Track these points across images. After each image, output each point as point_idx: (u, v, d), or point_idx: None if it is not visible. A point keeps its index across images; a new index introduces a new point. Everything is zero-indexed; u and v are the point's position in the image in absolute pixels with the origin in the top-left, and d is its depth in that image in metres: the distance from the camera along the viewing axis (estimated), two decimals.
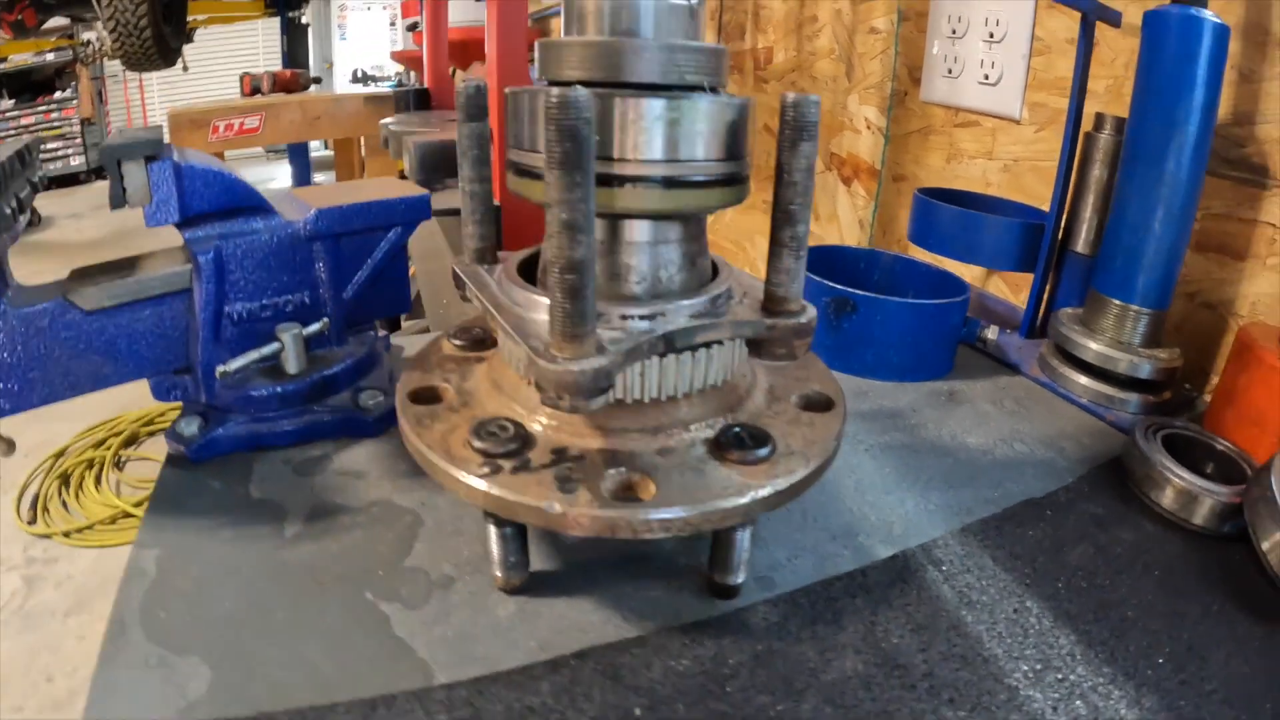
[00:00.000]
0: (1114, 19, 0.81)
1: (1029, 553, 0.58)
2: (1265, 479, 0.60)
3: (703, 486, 0.44)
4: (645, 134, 0.44)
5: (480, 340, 0.57)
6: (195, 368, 0.63)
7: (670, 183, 0.45)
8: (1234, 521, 0.62)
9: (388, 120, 1.52)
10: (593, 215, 0.38)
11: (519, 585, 0.50)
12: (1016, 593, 0.54)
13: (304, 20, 5.96)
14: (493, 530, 0.47)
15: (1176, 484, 0.64)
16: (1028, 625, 0.51)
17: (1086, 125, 0.86)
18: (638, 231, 0.49)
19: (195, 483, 0.59)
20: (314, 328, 0.66)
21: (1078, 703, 0.45)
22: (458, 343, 0.57)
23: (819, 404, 0.54)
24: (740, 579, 0.51)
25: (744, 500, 0.44)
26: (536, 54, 0.49)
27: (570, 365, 0.40)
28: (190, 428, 0.61)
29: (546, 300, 0.43)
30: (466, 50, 1.98)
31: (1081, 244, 0.88)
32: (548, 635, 0.47)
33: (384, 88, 5.33)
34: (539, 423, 0.48)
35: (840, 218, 1.45)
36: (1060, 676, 0.47)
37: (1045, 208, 0.90)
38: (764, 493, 0.45)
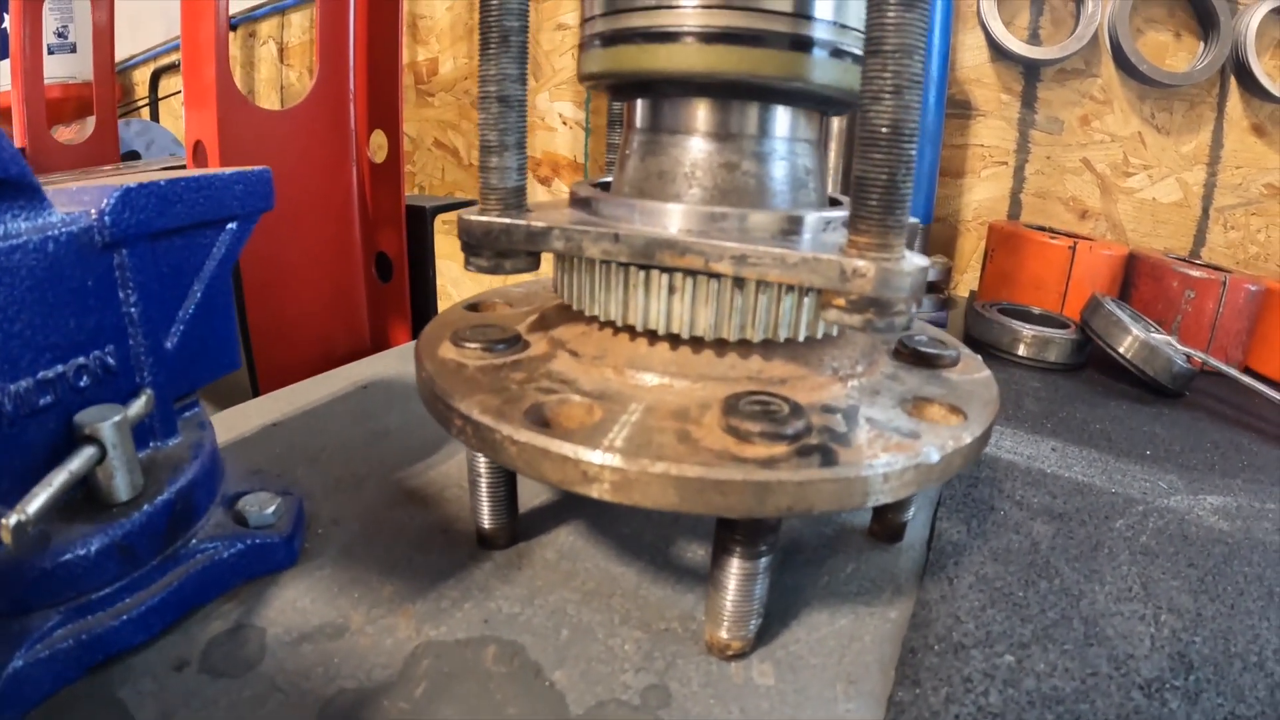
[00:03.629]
0: None
1: (1005, 413, 0.66)
2: (1102, 308, 0.74)
3: (966, 392, 0.36)
4: None
5: (511, 339, 0.37)
6: None
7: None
8: (1075, 356, 0.76)
9: None
10: None
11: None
12: (1030, 435, 0.62)
13: None
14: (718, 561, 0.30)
15: (1029, 336, 0.76)
16: (1054, 445, 0.60)
17: None
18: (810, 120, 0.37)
19: None
20: (137, 407, 0.36)
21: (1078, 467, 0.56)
22: (477, 346, 0.36)
23: None
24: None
25: (995, 390, 0.37)
26: None
27: (916, 260, 0.28)
28: None
29: (762, 214, 0.31)
30: (63, 106, 1.41)
31: (831, 186, 0.99)
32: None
33: None
34: (681, 381, 0.33)
35: None
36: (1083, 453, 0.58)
37: None
38: (985, 373, 0.39)
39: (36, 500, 0.29)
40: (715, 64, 0.30)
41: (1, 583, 0.30)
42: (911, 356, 0.38)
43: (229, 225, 0.42)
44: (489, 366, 0.34)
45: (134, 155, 1.43)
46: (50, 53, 1.55)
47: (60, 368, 0.34)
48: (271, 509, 0.39)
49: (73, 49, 1.55)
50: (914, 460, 0.28)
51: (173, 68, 1.74)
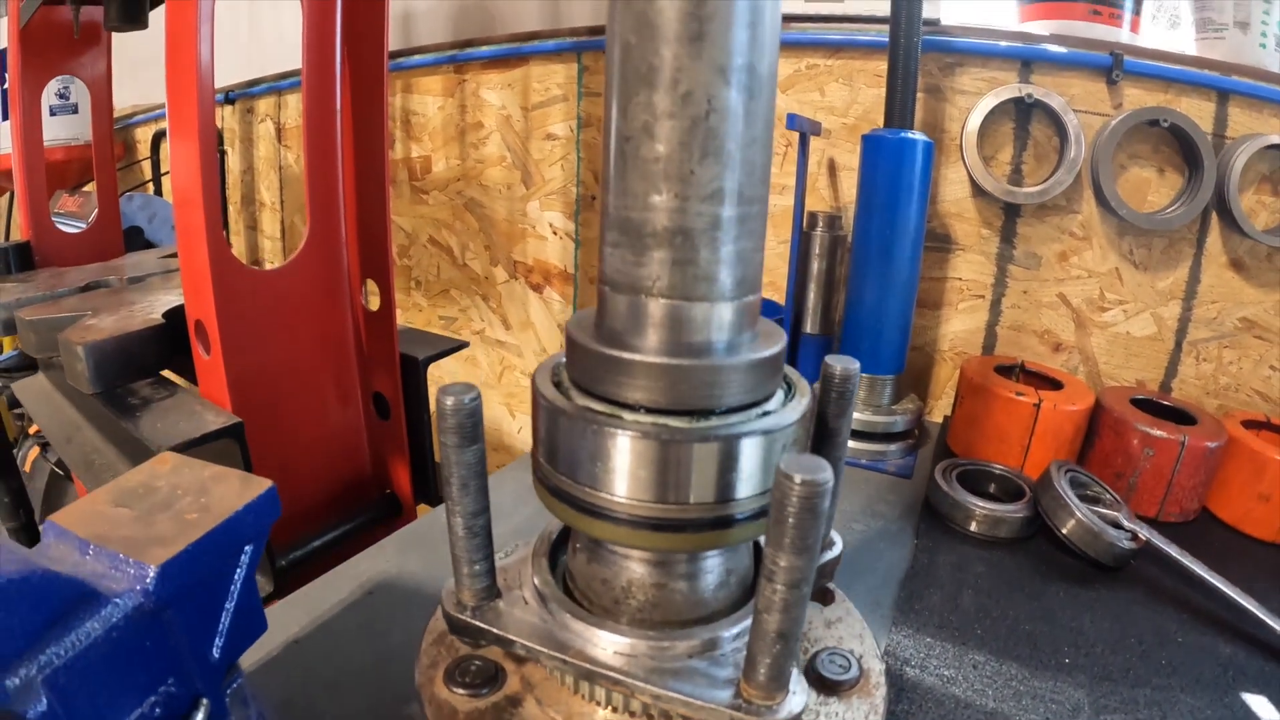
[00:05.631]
0: (818, 129, 1.01)
1: (941, 617, 0.75)
2: (1052, 485, 0.85)
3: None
4: (758, 468, 0.41)
5: (491, 676, 0.48)
6: None
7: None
8: (1026, 529, 0.86)
9: (4, 301, 1.09)
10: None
11: None
12: (956, 648, 0.71)
13: None
14: None
15: (983, 514, 0.86)
16: (976, 660, 0.70)
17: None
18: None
19: None
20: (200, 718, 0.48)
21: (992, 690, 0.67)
22: (464, 693, 0.48)
23: None
24: None
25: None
26: (575, 359, 0.43)
27: (791, 707, 0.39)
28: None
29: (677, 643, 0.42)
30: (66, 169, 1.51)
31: (810, 326, 1.08)
32: None
33: None
34: None
35: (536, 324, 1.49)
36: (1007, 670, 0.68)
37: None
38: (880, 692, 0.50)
39: None
40: (643, 542, 0.41)
41: None
42: (816, 680, 0.49)
43: (247, 548, 0.53)
44: (474, 712, 0.46)
45: (137, 230, 1.54)
46: (52, 114, 1.65)
47: (138, 710, 0.46)
48: None
49: (74, 110, 1.65)
50: None
51: None
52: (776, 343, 0.42)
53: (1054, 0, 1.09)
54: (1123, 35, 1.09)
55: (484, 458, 0.43)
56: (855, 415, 0.97)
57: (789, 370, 0.47)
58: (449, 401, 0.40)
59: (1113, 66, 1.03)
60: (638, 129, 0.37)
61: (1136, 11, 1.10)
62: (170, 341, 0.97)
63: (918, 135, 0.94)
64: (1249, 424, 1.02)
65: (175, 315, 0.99)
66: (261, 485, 0.55)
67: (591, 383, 0.41)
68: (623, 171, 0.38)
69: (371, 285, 0.99)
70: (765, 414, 0.41)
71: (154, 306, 1.03)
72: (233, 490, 0.54)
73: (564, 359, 0.45)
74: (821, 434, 0.49)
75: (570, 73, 1.27)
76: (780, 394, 0.44)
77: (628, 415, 0.39)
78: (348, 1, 0.92)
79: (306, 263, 0.95)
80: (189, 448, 0.80)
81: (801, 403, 0.43)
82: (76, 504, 0.54)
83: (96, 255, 1.36)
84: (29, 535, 1.49)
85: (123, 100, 1.67)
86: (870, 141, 0.95)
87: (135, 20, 1.15)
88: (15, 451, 1.55)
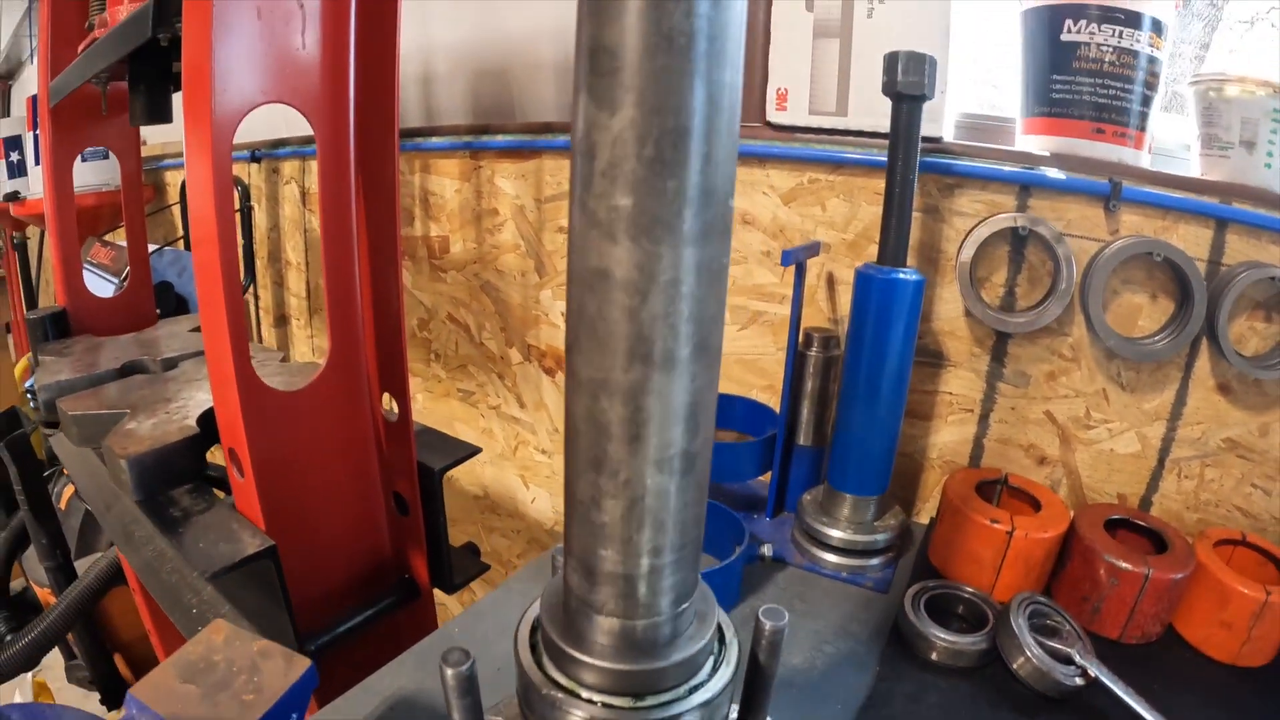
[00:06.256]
0: (815, 251, 1.11)
1: None
2: (1008, 621, 0.95)
3: None
4: None
5: None
6: None
7: None
8: (984, 659, 0.97)
9: (46, 382, 1.24)
10: None
11: None
12: None
13: None
14: None
15: (943, 645, 0.97)
16: None
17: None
18: None
19: None
20: None
21: None
22: None
23: None
24: None
25: None
26: (545, 638, 0.55)
27: None
28: None
29: None
30: (99, 214, 1.66)
31: (803, 438, 1.19)
32: None
33: None
34: None
35: (548, 405, 1.62)
36: None
37: (753, 394, 1.19)
38: None
39: None
40: None
41: None
42: None
43: (293, 715, 0.67)
44: None
45: (167, 285, 1.68)
46: (83, 160, 1.78)
47: None
48: None
49: (105, 155, 1.77)
50: None
51: None
52: (708, 627, 0.54)
53: (1057, 117, 1.16)
54: (1126, 154, 1.15)
55: (480, 701, 0.55)
56: (838, 534, 1.09)
57: (720, 618, 0.58)
58: (450, 671, 0.53)
59: (1110, 195, 1.10)
60: (587, 499, 0.47)
61: (1141, 128, 1.16)
62: (205, 446, 1.11)
63: (909, 275, 1.02)
64: (1224, 542, 1.11)
65: (208, 419, 1.13)
66: (302, 665, 0.69)
67: (556, 661, 0.53)
68: (575, 525, 0.49)
69: (389, 402, 1.11)
70: (695, 688, 0.53)
71: (189, 407, 1.17)
72: (279, 669, 0.69)
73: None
74: (754, 671, 0.61)
75: None
76: (710, 660, 0.55)
77: (583, 694, 0.51)
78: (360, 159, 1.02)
79: (330, 381, 1.08)
80: (230, 570, 0.94)
81: (728, 669, 0.54)
82: (150, 677, 0.68)
83: (129, 320, 1.50)
84: (66, 574, 1.66)
85: (150, 136, 1.79)
86: (863, 278, 1.04)
87: (160, 117, 1.26)
88: (50, 488, 1.72)
